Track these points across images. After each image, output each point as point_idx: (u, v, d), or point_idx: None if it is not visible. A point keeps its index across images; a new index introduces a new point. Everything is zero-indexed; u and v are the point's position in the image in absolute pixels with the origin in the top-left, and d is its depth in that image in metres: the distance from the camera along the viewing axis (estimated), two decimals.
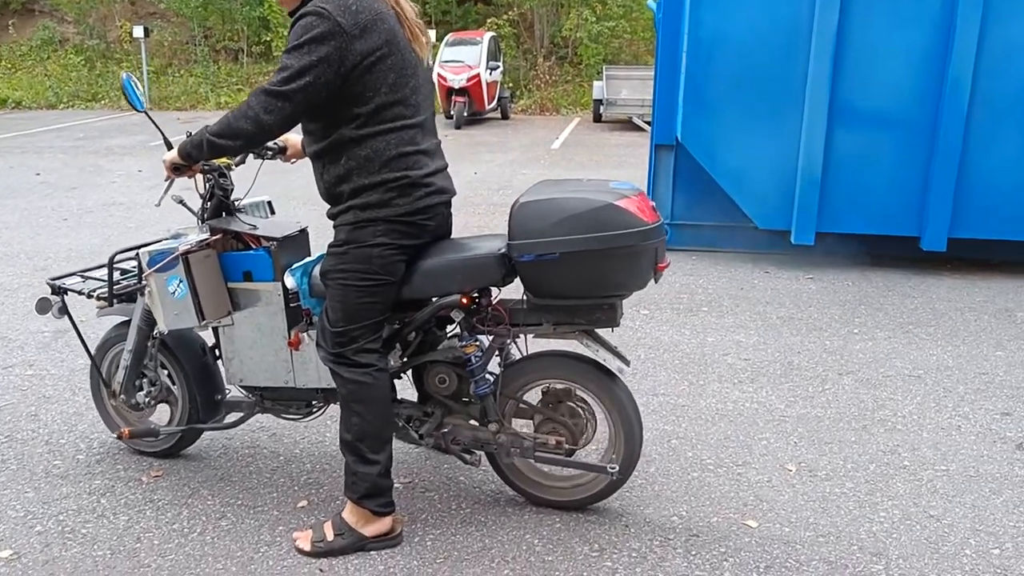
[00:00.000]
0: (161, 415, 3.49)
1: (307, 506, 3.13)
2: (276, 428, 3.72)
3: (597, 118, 16.41)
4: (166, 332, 3.06)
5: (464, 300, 2.79)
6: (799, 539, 2.91)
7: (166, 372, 3.35)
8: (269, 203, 3.44)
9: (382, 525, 2.84)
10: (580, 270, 2.63)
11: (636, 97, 15.34)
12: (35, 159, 11.62)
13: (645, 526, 2.98)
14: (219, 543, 2.89)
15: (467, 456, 3.04)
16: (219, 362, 3.26)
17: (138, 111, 3.05)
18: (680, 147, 6.61)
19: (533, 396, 3.05)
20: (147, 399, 3.31)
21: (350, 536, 2.81)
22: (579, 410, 2.95)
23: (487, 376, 2.93)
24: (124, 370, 3.29)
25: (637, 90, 15.32)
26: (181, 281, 2.96)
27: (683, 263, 6.48)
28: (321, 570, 2.74)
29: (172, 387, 3.34)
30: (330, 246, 2.74)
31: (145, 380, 3.32)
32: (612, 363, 2.82)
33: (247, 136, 2.58)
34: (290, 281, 2.94)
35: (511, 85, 18.92)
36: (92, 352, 3.41)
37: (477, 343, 2.93)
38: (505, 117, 17.29)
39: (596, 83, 16.50)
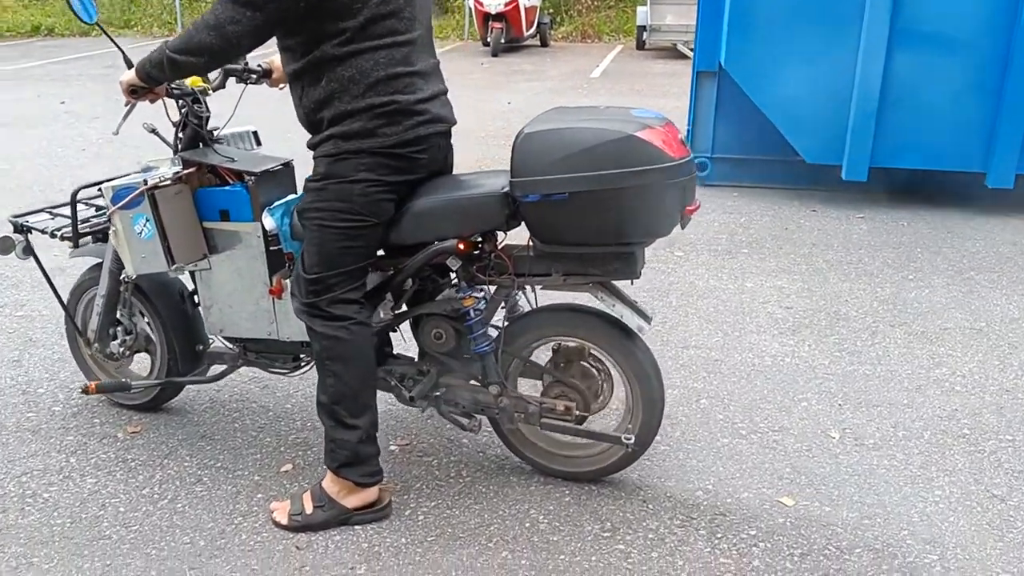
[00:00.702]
0: (143, 365, 3.21)
1: (291, 471, 2.84)
2: (269, 379, 3.42)
3: (640, 45, 15.66)
4: (134, 276, 2.76)
5: (461, 246, 2.43)
6: (840, 521, 2.55)
7: (145, 320, 3.05)
8: (255, 134, 3.07)
9: (367, 496, 2.53)
10: (593, 213, 2.26)
11: (682, 23, 14.55)
12: (62, 87, 11.36)
13: (665, 502, 2.64)
14: (189, 512, 2.61)
15: (465, 421, 2.71)
16: (199, 310, 2.95)
17: (87, 24, 2.69)
18: (723, 74, 6.10)
19: (542, 356, 2.71)
20: (121, 349, 3.02)
21: (331, 509, 2.51)
22: (593, 372, 2.61)
23: (488, 332, 2.60)
24: (97, 317, 3.00)
25: (683, 15, 14.51)
26: (148, 220, 2.63)
27: (723, 200, 6.03)
28: (298, 547, 2.45)
29: (151, 336, 3.05)
30: (307, 180, 2.39)
31: (120, 328, 3.03)
32: (631, 320, 2.47)
33: (212, 51, 2.23)
34: (269, 221, 2.60)
35: (551, 11, 18.18)
36: (65, 297, 3.12)
37: (477, 295, 2.58)
38: (544, 44, 16.61)
39: (640, 8, 15.71)
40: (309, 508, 2.52)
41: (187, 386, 3.23)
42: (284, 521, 2.52)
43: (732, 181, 6.37)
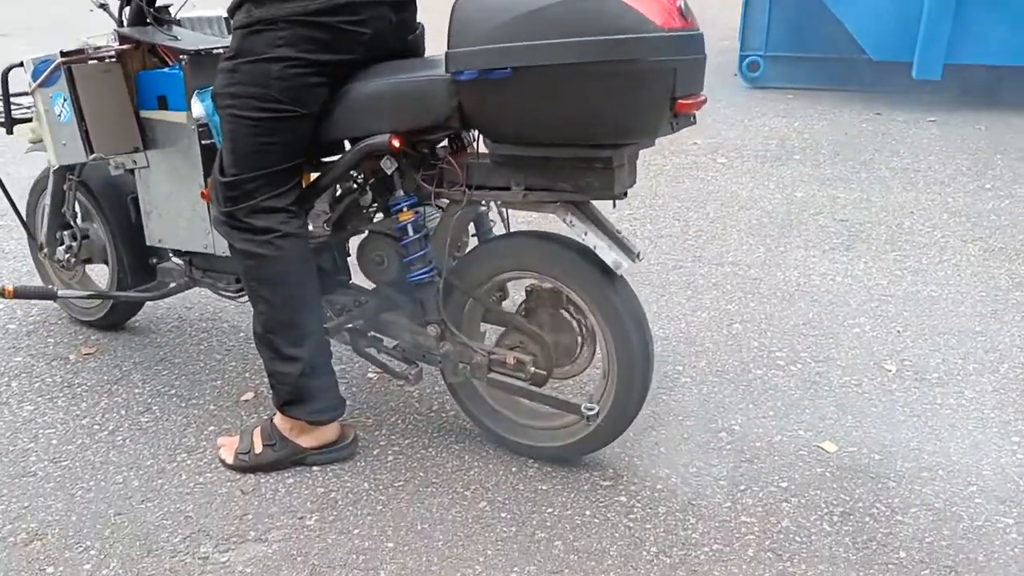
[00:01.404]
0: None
1: (253, 400, 2.47)
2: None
3: None
4: (55, 165, 2.40)
5: (395, 142, 1.93)
6: (893, 472, 2.10)
7: (97, 226, 2.68)
8: (226, 20, 2.62)
9: (323, 435, 2.16)
10: (545, 98, 1.73)
11: None
12: None
13: (680, 445, 2.22)
14: (129, 447, 2.27)
15: (400, 367, 2.23)
16: None
17: None
18: None
19: (515, 297, 2.24)
20: (67, 256, 2.66)
21: (283, 447, 2.15)
22: (570, 324, 2.06)
23: (427, 256, 2.06)
24: (45, 219, 2.66)
25: None
26: (66, 99, 2.24)
27: (775, 103, 5.44)
28: (243, 491, 2.09)
29: (106, 245, 2.68)
30: (221, 60, 1.96)
31: (67, 233, 2.67)
32: (605, 254, 1.87)
33: None
34: (197, 108, 2.19)
35: None
36: (18, 195, 2.75)
37: (415, 209, 2.06)
38: None
39: None
40: (258, 447, 2.15)
41: (141, 306, 2.87)
42: (230, 460, 2.17)
43: (787, 83, 5.77)
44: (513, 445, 2.20)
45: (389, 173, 2.01)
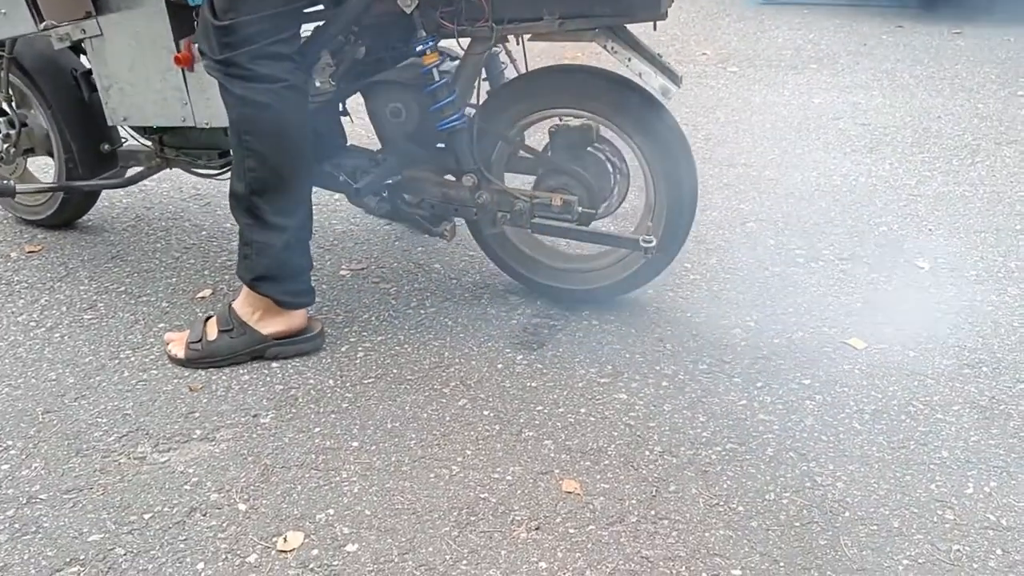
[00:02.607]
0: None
1: (210, 297, 2.22)
2: (214, 194, 2.78)
3: None
4: None
5: None
6: (931, 370, 1.85)
7: (39, 111, 2.40)
8: None
9: (290, 321, 1.91)
10: None
11: None
12: None
13: (689, 341, 1.96)
14: (67, 344, 2.01)
15: (434, 227, 2.04)
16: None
17: None
18: None
19: (537, 139, 2.01)
20: (6, 147, 2.39)
21: (240, 335, 1.89)
22: (602, 159, 1.94)
23: (457, 102, 1.90)
24: None
25: None
26: None
27: (790, 17, 5.10)
28: (191, 387, 1.84)
29: (49, 131, 2.40)
30: None
31: (1, 121, 2.39)
32: (652, 80, 1.78)
33: None
34: None
35: None
36: None
37: (440, 50, 1.90)
38: None
39: None
40: (212, 334, 1.90)
41: (96, 199, 2.60)
42: (180, 354, 1.91)
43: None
44: (554, 291, 2.11)
45: (409, 11, 1.78)
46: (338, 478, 1.57)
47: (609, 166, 1.95)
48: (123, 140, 2.41)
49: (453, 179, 1.99)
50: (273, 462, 1.62)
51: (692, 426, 1.69)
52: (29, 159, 2.50)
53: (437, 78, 1.86)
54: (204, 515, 1.49)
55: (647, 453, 1.62)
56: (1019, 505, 1.47)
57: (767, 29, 4.86)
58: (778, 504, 1.48)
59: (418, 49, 1.84)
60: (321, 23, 1.86)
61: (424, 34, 1.83)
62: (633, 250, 1.95)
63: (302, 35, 1.80)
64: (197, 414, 1.76)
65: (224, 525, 1.47)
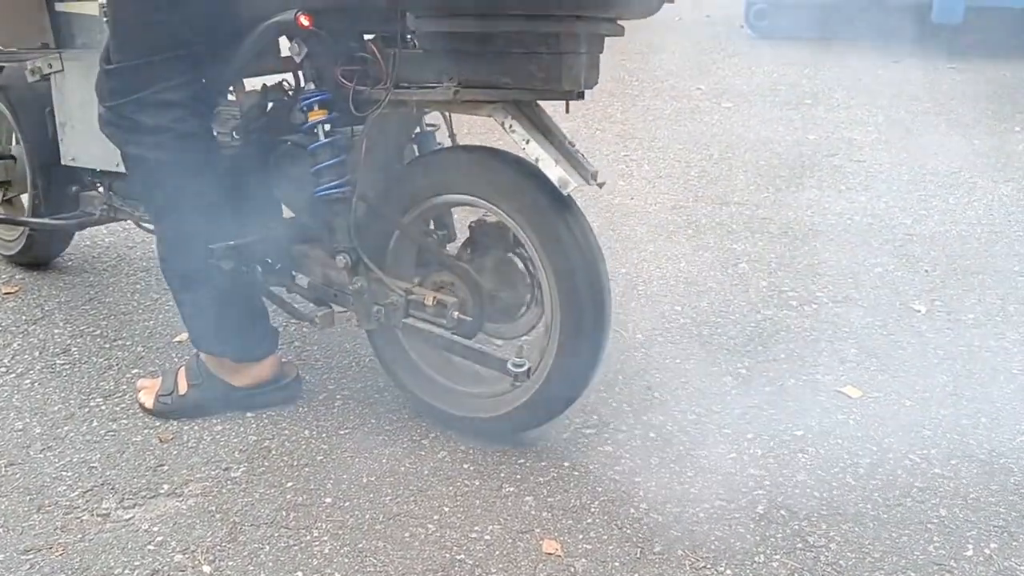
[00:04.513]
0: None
1: (187, 341, 2.13)
2: None
3: None
4: None
5: (303, 19, 1.56)
6: (928, 420, 1.78)
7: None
8: None
9: (257, 372, 1.84)
10: None
11: None
12: None
13: (677, 389, 1.90)
14: (37, 391, 1.95)
15: (308, 310, 1.87)
16: None
17: None
18: None
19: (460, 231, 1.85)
20: None
21: (210, 388, 1.83)
22: (518, 268, 1.66)
23: (340, 167, 1.67)
24: None
25: None
26: None
27: (785, 52, 5.10)
28: (161, 439, 1.78)
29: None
30: None
31: None
32: (550, 169, 1.48)
33: None
34: None
35: None
36: None
37: (331, 108, 1.66)
38: None
39: None
40: (183, 387, 1.84)
41: (96, 240, 2.55)
42: (149, 404, 1.85)
43: (797, 32, 5.41)
44: (439, 415, 1.78)
45: (297, 60, 1.63)
46: (308, 537, 1.50)
47: (525, 277, 1.65)
48: (95, 185, 2.35)
49: (331, 258, 1.74)
50: (242, 519, 1.55)
51: (679, 481, 1.62)
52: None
53: (321, 137, 1.64)
54: None
55: (632, 511, 1.55)
56: (1021, 569, 1.41)
57: (763, 64, 4.85)
58: (768, 567, 1.41)
59: (304, 103, 1.66)
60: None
61: (313, 87, 1.65)
62: (501, 372, 1.63)
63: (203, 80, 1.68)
64: (166, 467, 1.69)
65: None
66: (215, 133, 1.71)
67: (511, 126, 1.50)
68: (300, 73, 1.68)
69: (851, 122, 3.78)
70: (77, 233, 2.50)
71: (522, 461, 1.68)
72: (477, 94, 1.51)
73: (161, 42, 1.59)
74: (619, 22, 1.51)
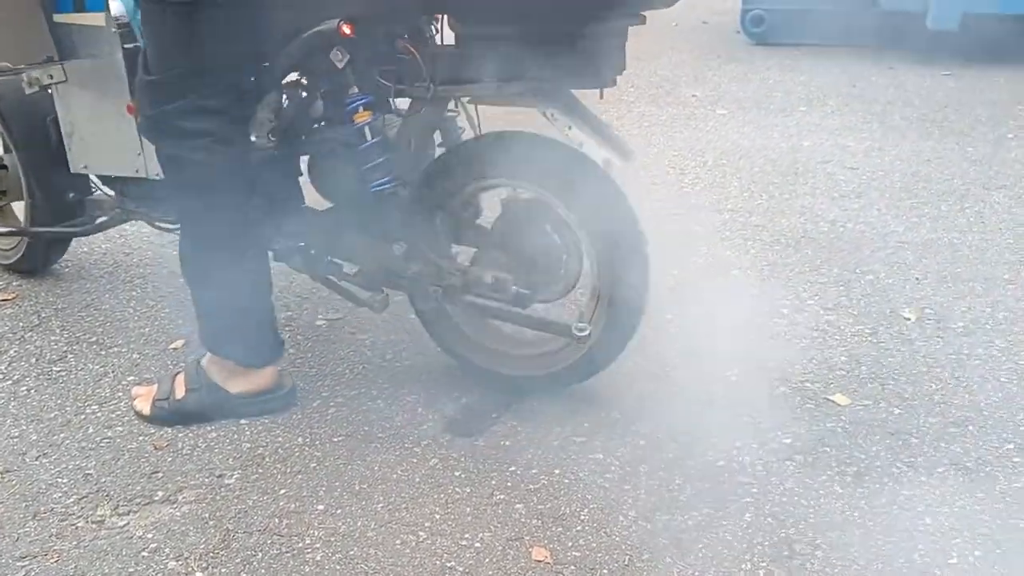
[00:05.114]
0: None
1: (183, 348, 2.17)
2: None
3: None
4: None
5: (345, 28, 1.66)
6: (916, 428, 1.80)
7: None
8: None
9: (257, 379, 1.86)
10: None
11: None
12: None
13: (667, 398, 1.91)
14: (32, 398, 1.97)
15: (365, 294, 1.95)
16: None
17: None
18: None
19: (490, 208, 1.94)
20: None
21: (209, 394, 1.85)
22: (553, 238, 1.77)
23: (388, 165, 1.80)
24: None
25: None
26: None
27: (780, 58, 5.12)
28: (156, 446, 1.80)
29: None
30: None
31: None
32: (594, 151, 1.65)
33: None
34: (116, 5, 1.89)
35: None
36: None
37: (378, 108, 1.82)
38: None
39: None
40: (180, 392, 1.86)
41: (94, 246, 2.57)
42: (146, 411, 1.87)
43: (792, 38, 5.42)
44: (496, 379, 1.92)
45: (340, 67, 1.71)
46: (301, 544, 1.52)
47: (560, 247, 1.77)
48: (93, 189, 2.37)
49: (386, 247, 1.86)
50: (235, 527, 1.57)
51: (668, 489, 1.64)
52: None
53: (369, 137, 1.77)
54: None
55: (621, 519, 1.56)
56: None
57: (758, 70, 4.86)
58: None
59: (349, 107, 1.77)
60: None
61: (356, 91, 1.77)
62: (565, 338, 1.82)
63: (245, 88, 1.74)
64: (160, 474, 1.71)
65: None
66: (253, 137, 1.77)
67: (552, 115, 1.66)
68: (343, 78, 1.76)
69: (845, 128, 3.80)
70: (74, 239, 2.52)
71: (512, 468, 1.70)
72: (518, 86, 1.65)
73: (203, 55, 1.62)
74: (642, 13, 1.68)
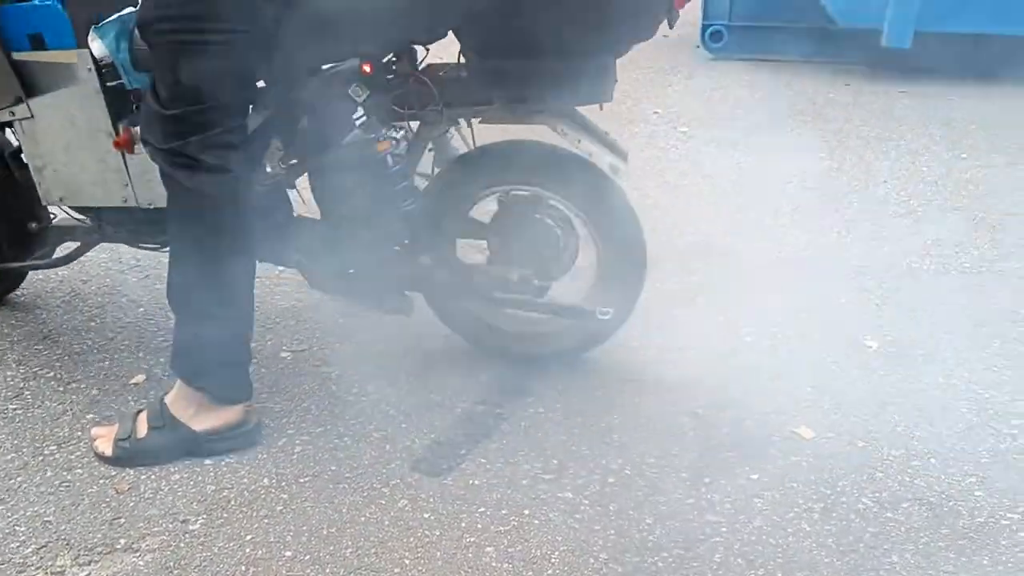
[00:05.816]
0: None
1: (143, 383, 2.13)
2: (153, 267, 2.70)
3: None
4: None
5: (366, 67, 1.77)
6: (880, 462, 1.83)
7: None
8: None
9: (225, 416, 1.84)
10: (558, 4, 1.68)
11: None
12: None
13: (636, 431, 1.92)
14: None
15: (388, 303, 2.05)
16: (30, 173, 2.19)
17: None
18: None
19: (486, 210, 2.06)
20: None
21: (172, 432, 1.82)
22: (552, 227, 1.98)
23: (414, 184, 1.95)
24: None
25: None
26: None
27: (739, 74, 5.16)
28: (118, 490, 1.76)
29: None
30: None
31: None
32: (602, 159, 1.87)
33: None
34: (98, 46, 1.87)
35: None
36: None
37: (395, 136, 1.92)
38: None
39: None
40: (142, 431, 1.83)
41: (23, 279, 2.51)
42: (108, 451, 1.83)
43: (751, 53, 5.47)
44: (519, 355, 2.15)
45: (359, 101, 1.78)
46: None
47: (557, 229, 1.97)
48: (52, 216, 2.33)
49: (409, 256, 1.99)
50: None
51: (639, 529, 1.64)
52: None
53: (391, 164, 1.86)
54: None
55: (591, 561, 1.56)
56: None
57: (719, 86, 4.91)
58: None
59: (371, 138, 1.82)
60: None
61: (361, 111, 1.81)
62: (591, 322, 2.02)
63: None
64: (123, 520, 1.68)
65: None
66: (268, 169, 1.84)
67: (563, 130, 1.86)
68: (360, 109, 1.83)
69: (803, 148, 3.84)
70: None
71: (482, 510, 1.69)
72: (528, 108, 1.85)
73: (221, 91, 1.61)
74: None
